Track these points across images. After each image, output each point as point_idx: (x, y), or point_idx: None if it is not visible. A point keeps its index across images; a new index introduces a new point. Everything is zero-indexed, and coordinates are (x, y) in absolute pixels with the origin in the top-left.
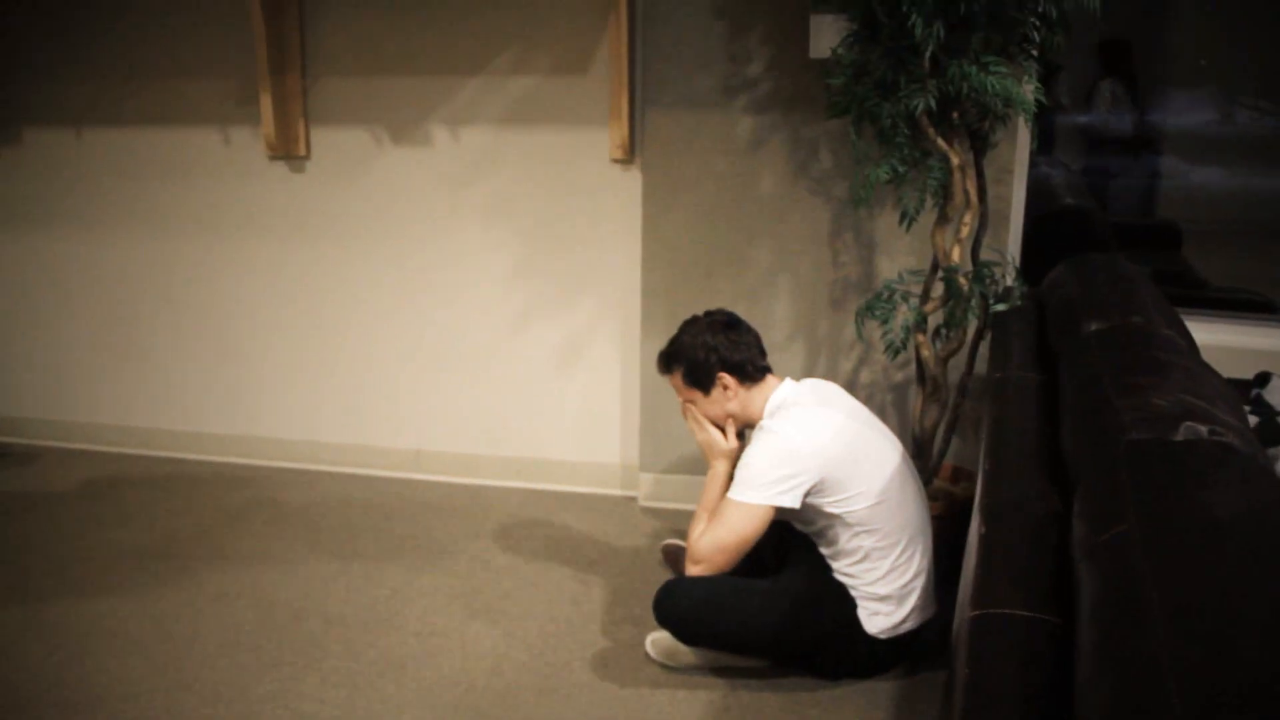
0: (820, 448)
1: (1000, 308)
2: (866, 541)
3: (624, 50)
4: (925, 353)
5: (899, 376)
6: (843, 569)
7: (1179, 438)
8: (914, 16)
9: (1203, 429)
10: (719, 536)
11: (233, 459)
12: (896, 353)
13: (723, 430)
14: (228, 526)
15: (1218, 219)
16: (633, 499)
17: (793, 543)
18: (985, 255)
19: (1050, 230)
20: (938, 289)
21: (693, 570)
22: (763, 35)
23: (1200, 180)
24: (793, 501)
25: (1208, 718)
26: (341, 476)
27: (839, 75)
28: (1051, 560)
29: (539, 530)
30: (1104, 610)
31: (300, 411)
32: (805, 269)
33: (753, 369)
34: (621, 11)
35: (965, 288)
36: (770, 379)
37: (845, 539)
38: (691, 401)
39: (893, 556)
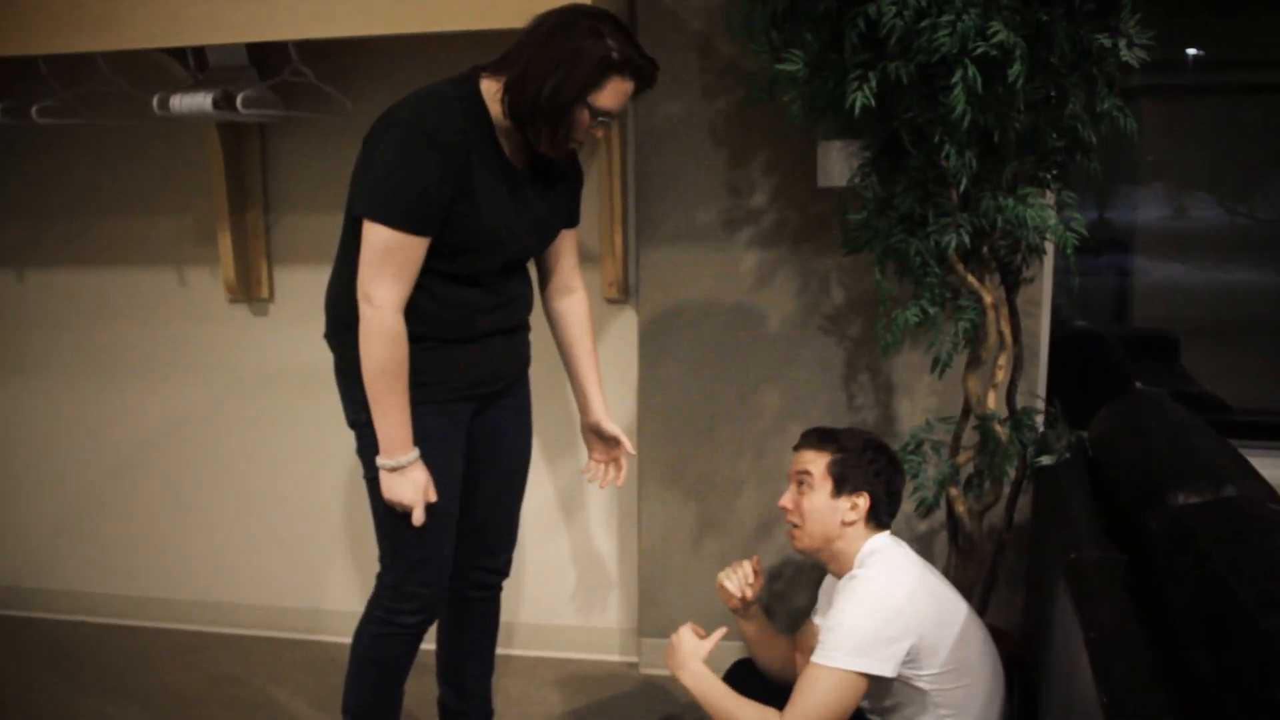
0: (920, 609)
1: (1045, 461)
2: None
3: (616, 183)
4: (960, 508)
5: (923, 527)
6: None
7: None
8: (947, 146)
9: None
10: (808, 713)
11: (196, 626)
12: (929, 510)
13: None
14: (194, 706)
15: (1190, 317)
16: (633, 665)
17: None
18: (1020, 398)
19: (1066, 358)
20: (970, 437)
21: None
22: (766, 164)
23: (1163, 276)
24: (891, 669)
25: None
26: (312, 644)
27: (859, 209)
28: None
29: (535, 701)
30: None
31: (266, 574)
32: (818, 413)
33: (887, 515)
34: (613, 143)
35: (1005, 437)
36: (882, 533)
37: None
38: (805, 488)
39: None
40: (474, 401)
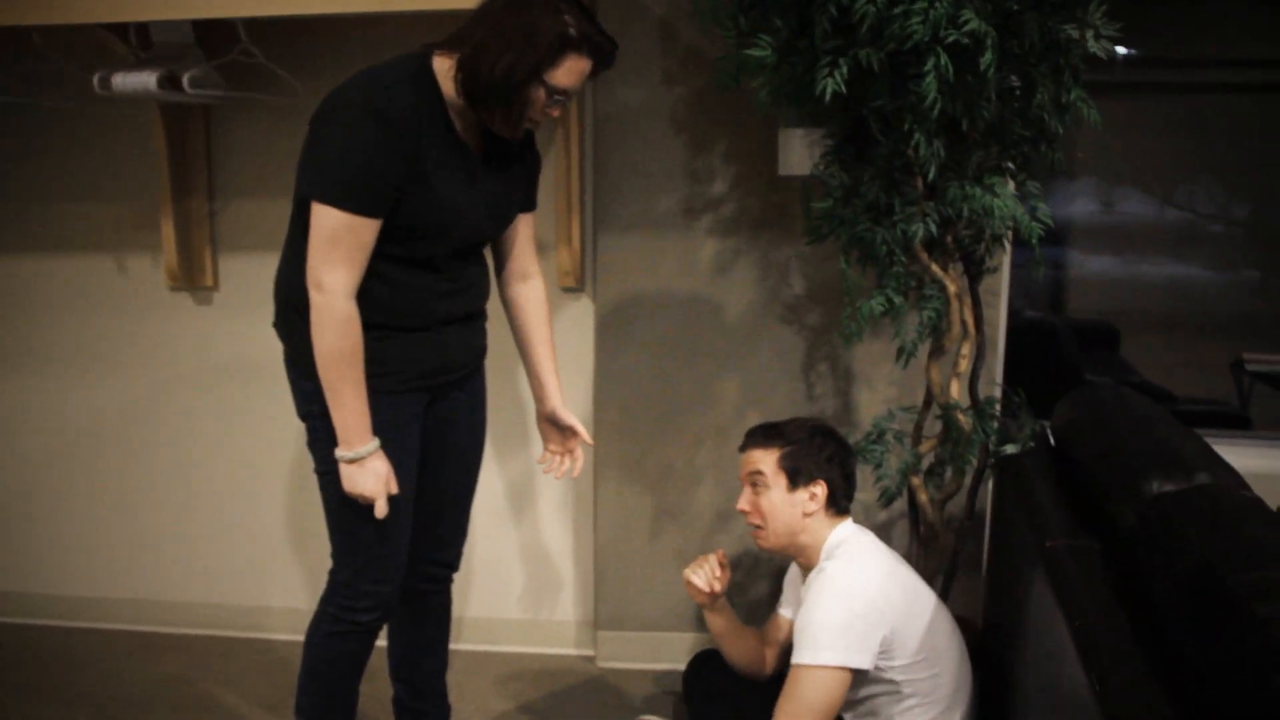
0: (891, 598)
1: (1010, 450)
2: (920, 718)
3: (574, 170)
4: (922, 497)
5: (882, 516)
6: None
7: None
8: (917, 134)
9: None
10: (799, 717)
11: (138, 626)
12: (891, 499)
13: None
14: (139, 709)
15: (1123, 310)
16: (590, 658)
17: None
18: (980, 388)
19: (1016, 348)
20: (932, 427)
21: None
22: (726, 151)
23: (1097, 269)
24: (869, 661)
25: None
26: (258, 643)
27: (825, 198)
28: None
29: (490, 697)
30: None
31: (209, 572)
32: (778, 403)
33: (845, 499)
34: (571, 129)
35: (968, 427)
36: (844, 520)
37: (896, 712)
38: (760, 488)
39: None
40: (429, 392)
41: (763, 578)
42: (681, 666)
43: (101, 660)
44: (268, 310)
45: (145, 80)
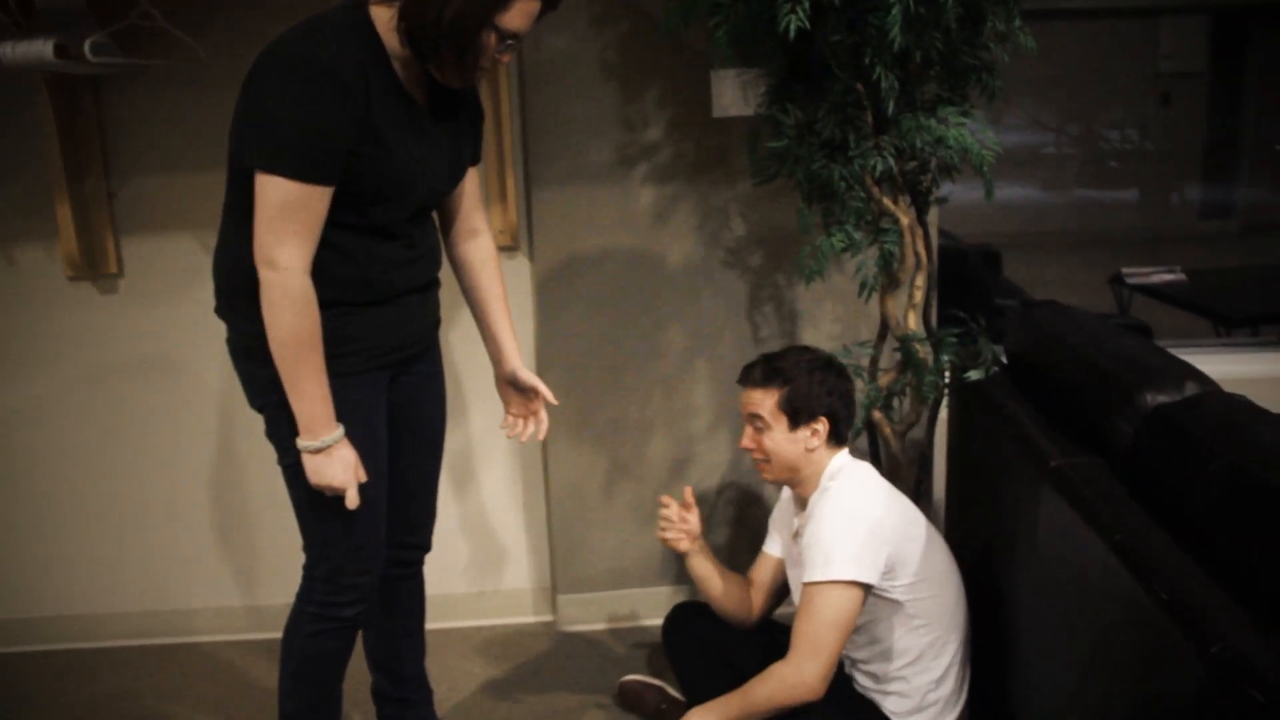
0: (893, 519)
1: (974, 376)
2: (924, 638)
3: (505, 124)
4: (886, 430)
5: None
6: (891, 672)
7: None
8: (878, 68)
9: None
10: (818, 636)
11: (59, 645)
12: (858, 434)
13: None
14: None
15: (989, 232)
16: (550, 624)
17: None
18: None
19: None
20: (888, 359)
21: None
22: (659, 96)
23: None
24: (875, 577)
25: None
26: (196, 647)
27: (779, 136)
28: None
29: (459, 674)
30: None
31: (135, 580)
32: (725, 349)
33: (846, 428)
34: (499, 81)
35: (927, 357)
36: (844, 448)
37: (899, 634)
38: (761, 428)
39: (946, 657)
40: (390, 369)
41: (721, 525)
42: (646, 623)
43: (33, 685)
44: (181, 296)
45: (40, 49)
